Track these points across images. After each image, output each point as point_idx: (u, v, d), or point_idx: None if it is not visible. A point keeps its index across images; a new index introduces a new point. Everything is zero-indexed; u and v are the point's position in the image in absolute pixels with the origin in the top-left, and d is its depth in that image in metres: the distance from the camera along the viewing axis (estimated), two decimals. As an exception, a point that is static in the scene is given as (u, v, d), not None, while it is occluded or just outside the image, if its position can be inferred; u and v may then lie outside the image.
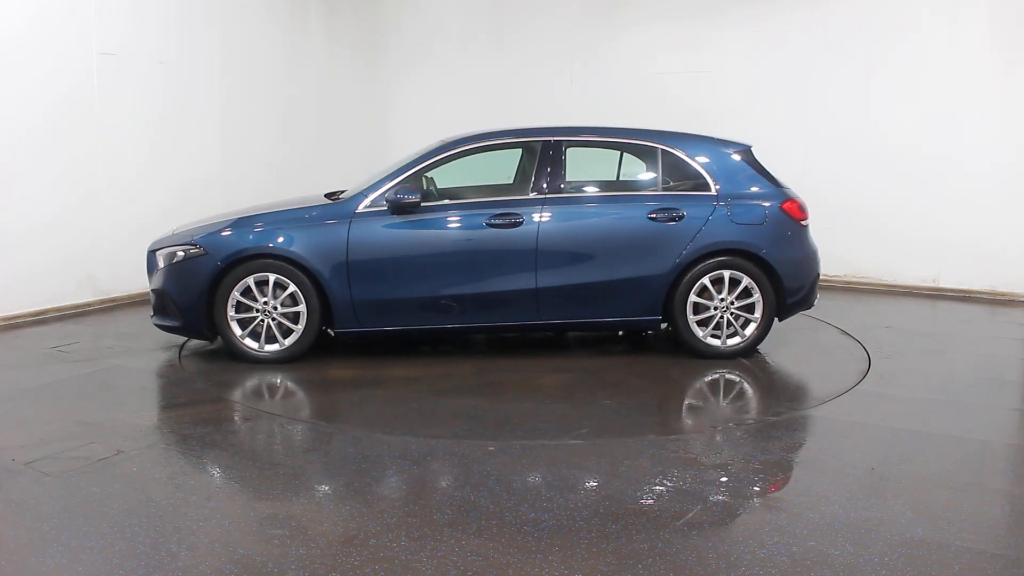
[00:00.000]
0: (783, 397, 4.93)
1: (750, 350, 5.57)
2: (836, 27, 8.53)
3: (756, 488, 3.53)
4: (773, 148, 7.26)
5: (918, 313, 7.51)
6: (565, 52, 9.88)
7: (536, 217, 5.38)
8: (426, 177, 5.87)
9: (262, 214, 5.51)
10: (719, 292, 5.46)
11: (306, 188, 7.47)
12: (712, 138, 5.80)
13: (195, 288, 5.28)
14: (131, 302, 7.32)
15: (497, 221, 5.37)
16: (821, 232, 6.01)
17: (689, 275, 5.44)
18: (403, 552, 2.91)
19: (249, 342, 5.36)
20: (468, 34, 10.46)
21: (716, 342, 5.52)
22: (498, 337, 6.18)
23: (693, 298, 5.46)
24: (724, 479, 3.61)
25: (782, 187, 5.64)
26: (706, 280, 5.45)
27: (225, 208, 6.73)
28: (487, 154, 5.87)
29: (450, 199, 5.81)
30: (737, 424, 4.46)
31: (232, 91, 8.40)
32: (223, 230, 5.39)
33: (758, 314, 5.50)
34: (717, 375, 5.27)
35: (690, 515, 3.23)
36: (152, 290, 5.55)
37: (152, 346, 5.84)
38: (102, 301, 7.19)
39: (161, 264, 5.45)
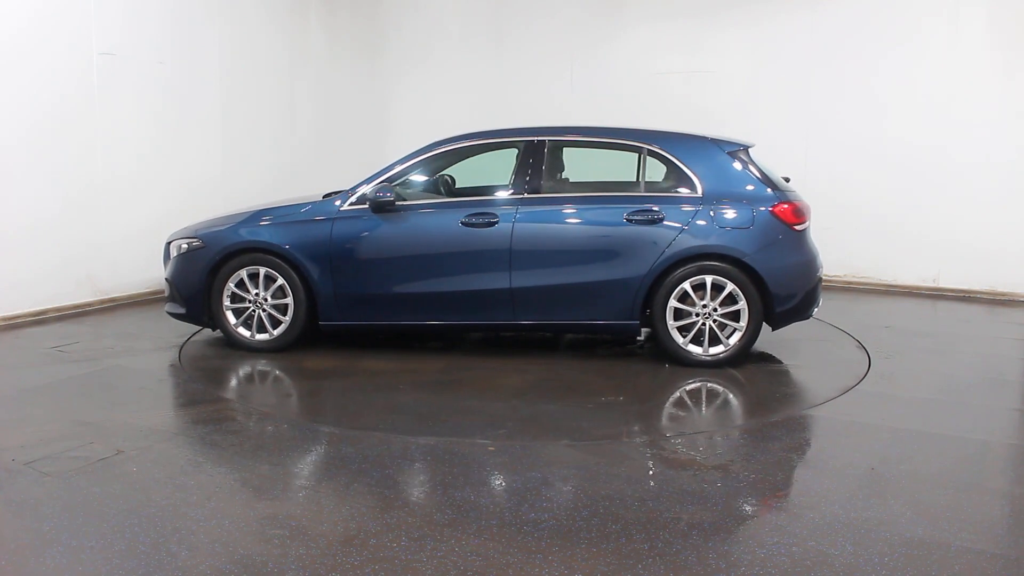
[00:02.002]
0: (782, 397, 4.92)
1: (734, 359, 5.30)
2: (836, 27, 8.53)
3: (756, 488, 3.53)
4: (773, 148, 7.26)
5: (918, 313, 7.51)
6: (565, 52, 9.87)
7: (512, 217, 5.35)
8: (445, 175, 5.91)
9: (258, 211, 5.82)
10: (701, 298, 5.25)
11: (306, 188, 7.49)
12: (704, 138, 5.52)
13: (196, 278, 5.65)
14: (131, 302, 7.33)
15: (472, 220, 5.37)
16: (821, 232, 5.98)
17: (668, 279, 5.23)
18: (403, 552, 2.91)
19: (242, 331, 5.68)
20: (468, 34, 10.46)
21: (697, 349, 5.30)
22: (494, 336, 6.17)
23: (673, 303, 5.26)
24: (724, 479, 3.61)
25: (778, 189, 5.38)
26: (687, 285, 5.24)
27: (225, 207, 6.74)
28: (498, 154, 5.87)
29: (461, 198, 5.85)
30: (736, 425, 4.46)
31: (232, 91, 8.40)
32: (221, 225, 5.75)
33: (743, 322, 5.24)
34: (714, 376, 5.23)
35: (690, 515, 3.23)
36: (165, 279, 5.91)
37: (152, 346, 5.85)
38: (102, 301, 7.19)
39: (173, 255, 5.81)
